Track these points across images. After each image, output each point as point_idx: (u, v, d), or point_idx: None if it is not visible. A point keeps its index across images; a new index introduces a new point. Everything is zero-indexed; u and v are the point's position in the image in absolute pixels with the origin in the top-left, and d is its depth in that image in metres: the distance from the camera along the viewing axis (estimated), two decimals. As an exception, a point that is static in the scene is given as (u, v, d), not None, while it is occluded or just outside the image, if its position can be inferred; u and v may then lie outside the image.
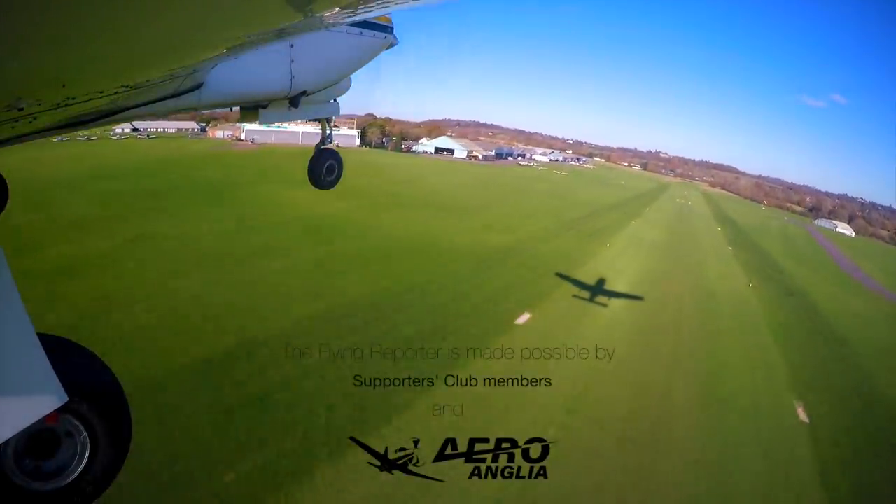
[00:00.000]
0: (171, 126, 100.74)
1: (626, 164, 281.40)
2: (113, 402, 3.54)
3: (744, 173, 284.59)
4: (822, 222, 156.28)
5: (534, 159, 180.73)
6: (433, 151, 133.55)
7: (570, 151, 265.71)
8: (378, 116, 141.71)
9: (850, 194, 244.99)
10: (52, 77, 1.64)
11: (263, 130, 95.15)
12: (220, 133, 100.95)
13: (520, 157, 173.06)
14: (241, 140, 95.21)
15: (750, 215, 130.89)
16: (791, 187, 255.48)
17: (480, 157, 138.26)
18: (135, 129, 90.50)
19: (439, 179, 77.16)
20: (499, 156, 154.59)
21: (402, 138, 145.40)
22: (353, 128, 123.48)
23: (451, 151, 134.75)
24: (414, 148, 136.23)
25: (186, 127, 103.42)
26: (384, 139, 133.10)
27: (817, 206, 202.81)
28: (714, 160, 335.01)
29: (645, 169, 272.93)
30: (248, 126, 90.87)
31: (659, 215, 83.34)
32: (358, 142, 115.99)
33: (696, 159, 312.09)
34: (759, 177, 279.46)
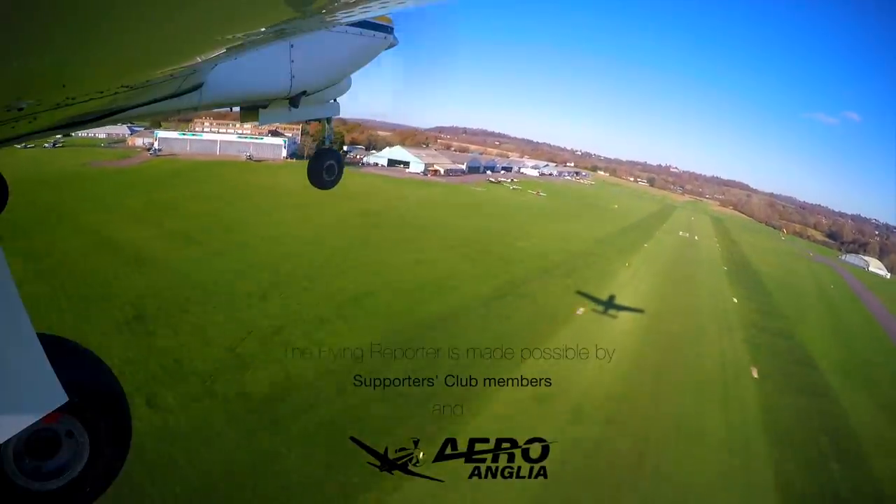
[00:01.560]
0: (103, 131, 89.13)
1: (632, 178, 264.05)
2: (113, 402, 3.54)
3: (755, 191, 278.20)
4: (851, 258, 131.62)
5: (522, 173, 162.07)
6: (386, 164, 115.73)
7: (573, 164, 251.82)
8: (347, 121, 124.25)
9: (863, 215, 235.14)
10: (52, 77, 1.64)
11: (178, 139, 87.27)
12: (139, 141, 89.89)
13: (503, 171, 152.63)
14: (148, 150, 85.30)
15: (772, 255, 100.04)
16: (804, 206, 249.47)
17: (442, 171, 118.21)
18: (66, 134, 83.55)
19: (297, 214, 49.04)
20: (472, 169, 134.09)
21: (368, 147, 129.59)
22: (296, 134, 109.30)
23: (407, 164, 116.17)
24: (365, 160, 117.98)
25: (118, 132, 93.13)
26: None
27: (837, 231, 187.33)
28: (725, 176, 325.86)
29: (652, 185, 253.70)
30: (162, 134, 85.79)
31: (639, 283, 48.05)
32: (285, 153, 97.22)
33: (707, 175, 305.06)
34: (771, 195, 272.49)
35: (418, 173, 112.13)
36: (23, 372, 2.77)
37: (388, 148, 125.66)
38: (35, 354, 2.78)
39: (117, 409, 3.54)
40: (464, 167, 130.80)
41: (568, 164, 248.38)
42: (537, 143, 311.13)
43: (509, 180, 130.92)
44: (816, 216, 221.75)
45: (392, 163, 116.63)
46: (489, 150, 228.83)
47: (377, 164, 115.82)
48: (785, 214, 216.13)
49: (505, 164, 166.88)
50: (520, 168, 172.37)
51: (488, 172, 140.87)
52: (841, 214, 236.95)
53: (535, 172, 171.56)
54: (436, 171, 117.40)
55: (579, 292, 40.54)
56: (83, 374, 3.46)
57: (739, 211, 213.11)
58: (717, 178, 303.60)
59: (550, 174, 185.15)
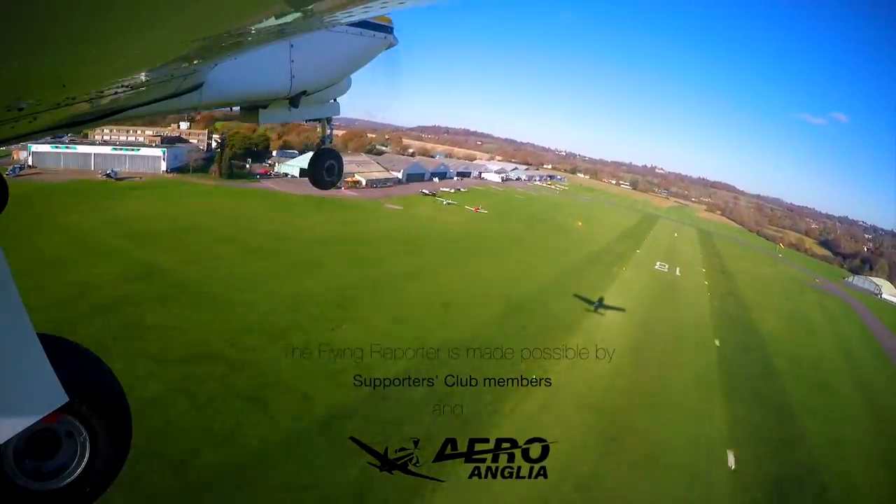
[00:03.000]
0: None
1: (614, 181, 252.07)
2: (113, 402, 3.54)
3: (742, 192, 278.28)
4: (860, 281, 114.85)
5: (483, 178, 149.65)
6: (297, 174, 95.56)
7: (550, 166, 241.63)
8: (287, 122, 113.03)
9: (851, 217, 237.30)
10: (52, 77, 1.65)
11: (52, 153, 76.28)
12: (23, 154, 76.82)
13: (457, 178, 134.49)
14: (10, 169, 69.29)
15: (775, 290, 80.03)
16: (792, 209, 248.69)
17: (364, 182, 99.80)
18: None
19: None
20: (413, 177, 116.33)
21: (304, 151, 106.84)
22: (201, 139, 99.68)
23: None
24: (278, 168, 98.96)
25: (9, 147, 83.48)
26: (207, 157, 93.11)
27: (834, 240, 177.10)
28: (711, 177, 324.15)
29: (635, 188, 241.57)
30: (37, 147, 74.46)
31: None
32: (164, 166, 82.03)
33: (693, 176, 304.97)
34: (758, 196, 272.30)
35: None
36: (23, 372, 2.77)
37: (290, 160, 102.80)
38: (35, 354, 2.78)
39: (117, 409, 3.54)
40: (400, 175, 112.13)
41: (545, 165, 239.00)
42: (521, 143, 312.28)
43: (453, 190, 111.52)
44: (805, 220, 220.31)
45: (304, 173, 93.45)
46: (457, 150, 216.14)
47: (287, 175, 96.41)
48: (774, 219, 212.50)
49: (462, 169, 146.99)
50: (480, 173, 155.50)
51: (435, 180, 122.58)
52: (828, 216, 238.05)
53: (497, 178, 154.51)
54: (355, 182, 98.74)
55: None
56: (83, 375, 3.47)
57: (728, 217, 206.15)
58: (703, 179, 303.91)
59: (518, 179, 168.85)
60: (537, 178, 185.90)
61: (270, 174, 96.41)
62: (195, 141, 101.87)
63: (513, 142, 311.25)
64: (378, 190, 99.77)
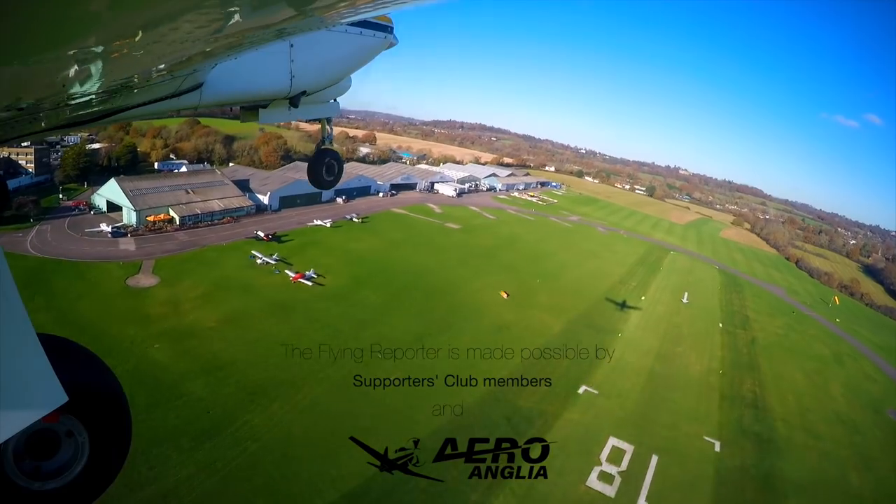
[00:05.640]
0: None
1: (628, 186, 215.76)
2: (113, 402, 3.55)
3: (769, 197, 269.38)
4: None
5: (435, 192, 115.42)
6: (105, 208, 69.90)
7: (552, 168, 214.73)
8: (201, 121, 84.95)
9: (883, 227, 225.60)
10: (52, 77, 1.65)
11: None
12: None
13: (387, 194, 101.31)
14: None
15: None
16: (822, 216, 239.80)
17: (177, 220, 68.26)
18: None
19: None
20: (291, 201, 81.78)
21: (201, 160, 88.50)
22: (29, 159, 74.70)
23: (119, 209, 67.68)
24: (92, 198, 71.08)
25: None
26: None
27: (882, 269, 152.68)
28: (737, 180, 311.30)
29: (651, 195, 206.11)
30: None
31: None
32: None
33: (718, 178, 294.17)
34: (786, 202, 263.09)
35: (108, 232, 61.25)
36: (23, 372, 2.77)
37: (111, 179, 70.86)
38: (35, 354, 2.79)
39: (117, 409, 3.55)
40: (265, 200, 78.82)
41: (547, 167, 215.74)
42: (539, 139, 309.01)
43: (328, 224, 75.64)
44: (840, 232, 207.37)
45: (113, 207, 69.16)
46: (435, 149, 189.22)
47: (91, 212, 69.29)
48: (809, 235, 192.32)
49: (401, 180, 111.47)
50: (433, 183, 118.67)
51: (339, 201, 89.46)
52: (859, 225, 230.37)
53: (450, 192, 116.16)
54: (167, 220, 67.38)
55: None
56: (83, 374, 3.47)
57: (758, 235, 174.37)
58: (728, 182, 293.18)
59: (491, 188, 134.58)
60: (520, 187, 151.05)
61: (81, 208, 70.44)
62: (23, 162, 76.95)
63: (530, 138, 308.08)
64: (185, 234, 65.09)
